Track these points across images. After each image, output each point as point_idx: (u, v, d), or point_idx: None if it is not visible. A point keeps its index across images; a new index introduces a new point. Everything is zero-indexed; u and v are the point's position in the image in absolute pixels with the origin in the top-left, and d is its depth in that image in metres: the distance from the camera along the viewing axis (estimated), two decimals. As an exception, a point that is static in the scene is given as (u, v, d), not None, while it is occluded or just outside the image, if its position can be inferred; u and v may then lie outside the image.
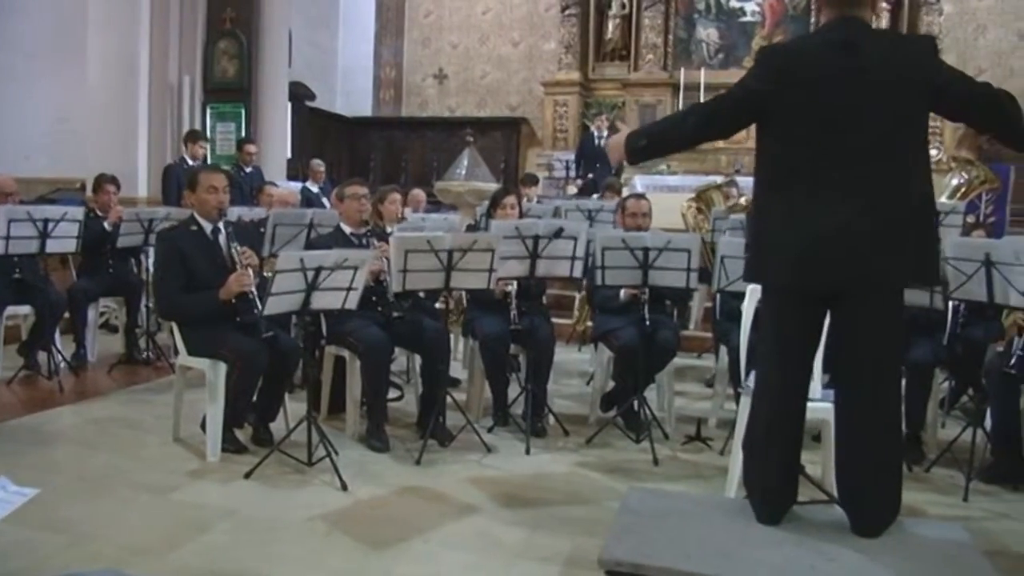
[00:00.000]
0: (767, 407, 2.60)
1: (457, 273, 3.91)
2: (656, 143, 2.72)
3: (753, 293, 3.58)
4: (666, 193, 8.53)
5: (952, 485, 3.80)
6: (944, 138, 10.77)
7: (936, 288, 3.90)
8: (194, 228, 4.00)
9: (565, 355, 6.18)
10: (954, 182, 7.10)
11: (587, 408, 4.71)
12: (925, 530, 2.63)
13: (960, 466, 3.84)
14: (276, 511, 3.27)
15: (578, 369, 5.83)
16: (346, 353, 4.24)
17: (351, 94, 13.83)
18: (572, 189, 10.02)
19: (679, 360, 5.56)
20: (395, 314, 4.27)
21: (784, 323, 2.56)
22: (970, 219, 6.33)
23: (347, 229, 4.47)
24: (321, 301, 3.67)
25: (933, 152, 10.67)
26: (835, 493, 2.69)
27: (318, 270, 3.55)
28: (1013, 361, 3.85)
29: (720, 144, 11.35)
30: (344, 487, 3.48)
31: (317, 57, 13.02)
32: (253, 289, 3.81)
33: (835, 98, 2.40)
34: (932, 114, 2.52)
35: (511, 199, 4.76)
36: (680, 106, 11.77)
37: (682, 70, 11.68)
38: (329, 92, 13.33)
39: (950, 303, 4.17)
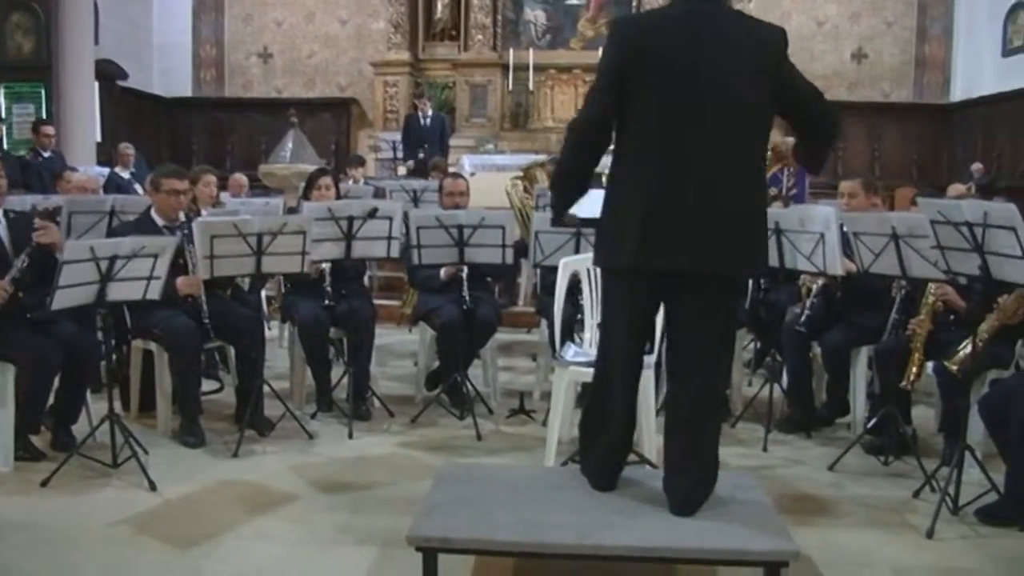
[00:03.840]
0: (605, 385, 2.63)
1: (268, 257, 3.77)
2: (562, 180, 2.65)
3: (566, 267, 3.69)
4: (494, 172, 8.59)
5: (754, 437, 4.09)
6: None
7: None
8: (-33, 219, 3.65)
9: (395, 336, 6.16)
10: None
11: (414, 389, 4.71)
12: (720, 481, 2.79)
13: (761, 420, 4.13)
14: (77, 519, 3.07)
15: (408, 350, 5.78)
16: (154, 346, 4.02)
17: (168, 73, 13.03)
18: (402, 171, 9.90)
19: (507, 336, 5.67)
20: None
21: (624, 306, 2.55)
22: (772, 192, 6.73)
23: (159, 220, 4.19)
24: (119, 292, 3.45)
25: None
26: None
27: (113, 259, 3.33)
28: (803, 319, 4.16)
29: (550, 123, 11.57)
30: (152, 487, 3.31)
31: (128, 33, 12.17)
32: None
33: (684, 70, 2.35)
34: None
35: (326, 180, 4.64)
36: (510, 86, 11.89)
37: (511, 50, 11.76)
38: (144, 71, 12.50)
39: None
